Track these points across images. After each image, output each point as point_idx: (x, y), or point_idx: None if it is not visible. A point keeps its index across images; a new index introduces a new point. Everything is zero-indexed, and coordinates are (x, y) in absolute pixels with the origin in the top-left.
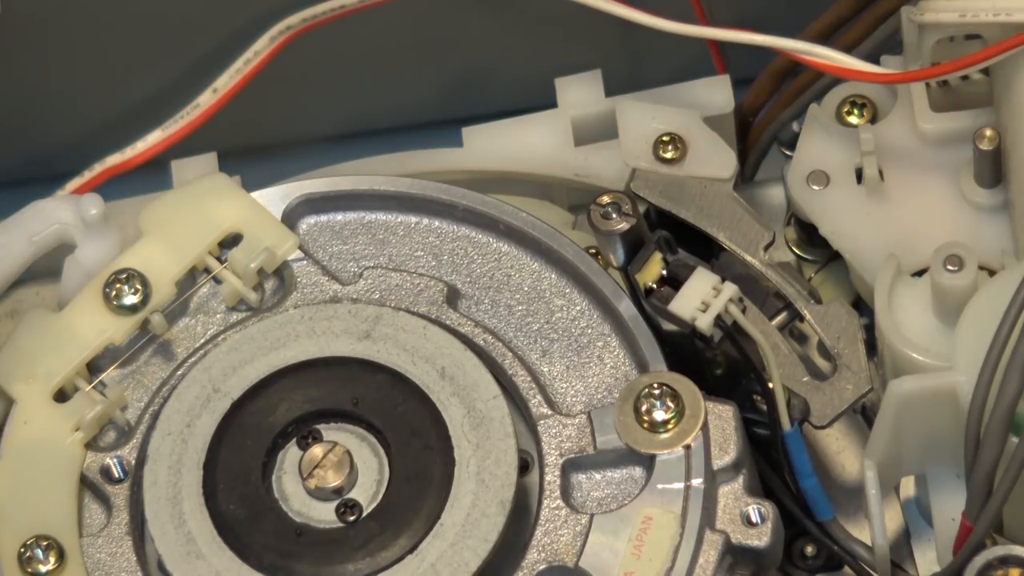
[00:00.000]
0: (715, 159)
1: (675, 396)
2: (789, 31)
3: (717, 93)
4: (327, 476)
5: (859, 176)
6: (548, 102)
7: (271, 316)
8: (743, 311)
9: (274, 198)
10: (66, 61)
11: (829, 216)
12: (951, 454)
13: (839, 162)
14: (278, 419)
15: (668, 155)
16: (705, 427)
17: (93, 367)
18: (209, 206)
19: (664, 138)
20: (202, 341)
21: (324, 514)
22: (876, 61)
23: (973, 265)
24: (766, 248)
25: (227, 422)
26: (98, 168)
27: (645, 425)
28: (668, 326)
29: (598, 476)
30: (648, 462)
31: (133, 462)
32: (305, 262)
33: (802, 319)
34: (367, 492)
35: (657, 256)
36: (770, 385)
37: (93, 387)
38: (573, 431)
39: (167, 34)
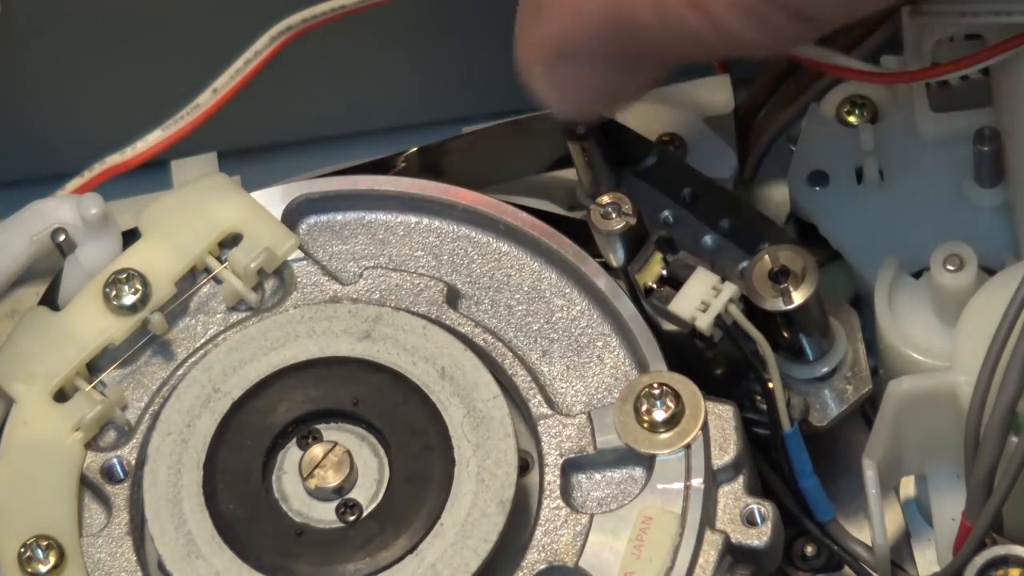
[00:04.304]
0: (715, 159)
1: (675, 396)
2: None
3: (717, 93)
4: (327, 476)
5: (859, 176)
6: None
7: (271, 316)
8: (743, 311)
9: (274, 198)
10: (66, 61)
11: (829, 216)
12: (951, 454)
13: (839, 162)
14: (278, 419)
15: None
16: (705, 427)
17: (93, 367)
18: (209, 206)
19: (664, 138)
20: (202, 341)
21: (324, 514)
22: (876, 61)
23: (973, 265)
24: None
25: (227, 422)
26: (98, 168)
27: (645, 425)
28: (668, 326)
29: (598, 476)
30: (648, 462)
31: (133, 462)
32: (305, 262)
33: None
34: (367, 492)
35: (657, 256)
36: (770, 385)
37: (93, 387)
38: (573, 431)
39: (167, 34)
